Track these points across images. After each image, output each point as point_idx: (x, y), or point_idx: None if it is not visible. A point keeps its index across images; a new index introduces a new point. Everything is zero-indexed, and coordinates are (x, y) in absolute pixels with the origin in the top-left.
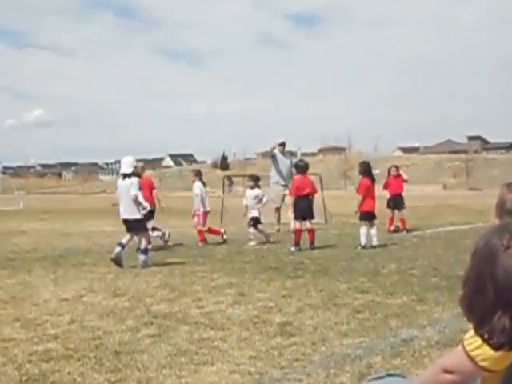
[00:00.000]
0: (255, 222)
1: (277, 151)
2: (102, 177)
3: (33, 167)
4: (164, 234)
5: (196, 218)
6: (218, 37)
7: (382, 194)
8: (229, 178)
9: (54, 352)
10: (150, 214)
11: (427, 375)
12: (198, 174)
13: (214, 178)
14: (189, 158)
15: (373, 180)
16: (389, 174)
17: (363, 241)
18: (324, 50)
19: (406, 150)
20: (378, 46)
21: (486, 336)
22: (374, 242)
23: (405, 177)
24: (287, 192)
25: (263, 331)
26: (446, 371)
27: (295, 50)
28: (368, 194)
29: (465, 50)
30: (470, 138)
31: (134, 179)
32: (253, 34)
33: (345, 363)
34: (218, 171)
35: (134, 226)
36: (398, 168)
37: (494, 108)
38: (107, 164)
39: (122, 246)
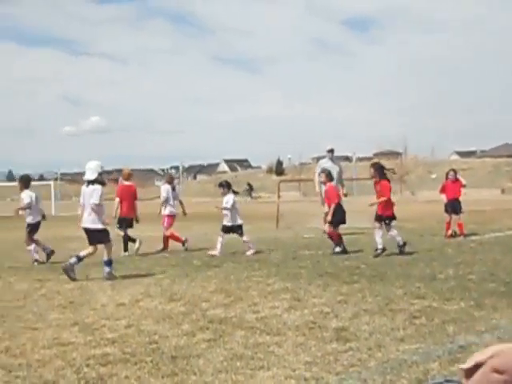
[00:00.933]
0: (236, 230)
1: (326, 158)
2: (157, 183)
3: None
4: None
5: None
6: (272, 43)
7: (439, 198)
8: (249, 184)
9: (112, 356)
10: (129, 223)
11: (478, 376)
12: (169, 179)
13: (269, 184)
14: (244, 164)
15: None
16: (447, 178)
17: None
18: (378, 54)
19: (462, 154)
20: (432, 50)
21: None
22: (401, 242)
23: (463, 181)
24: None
25: (319, 336)
26: (497, 371)
27: (349, 55)
28: (385, 195)
29: None
30: None
31: (98, 187)
32: (307, 39)
33: (401, 369)
34: (274, 176)
35: (96, 237)
36: (456, 172)
37: None
38: (163, 170)
39: (79, 259)
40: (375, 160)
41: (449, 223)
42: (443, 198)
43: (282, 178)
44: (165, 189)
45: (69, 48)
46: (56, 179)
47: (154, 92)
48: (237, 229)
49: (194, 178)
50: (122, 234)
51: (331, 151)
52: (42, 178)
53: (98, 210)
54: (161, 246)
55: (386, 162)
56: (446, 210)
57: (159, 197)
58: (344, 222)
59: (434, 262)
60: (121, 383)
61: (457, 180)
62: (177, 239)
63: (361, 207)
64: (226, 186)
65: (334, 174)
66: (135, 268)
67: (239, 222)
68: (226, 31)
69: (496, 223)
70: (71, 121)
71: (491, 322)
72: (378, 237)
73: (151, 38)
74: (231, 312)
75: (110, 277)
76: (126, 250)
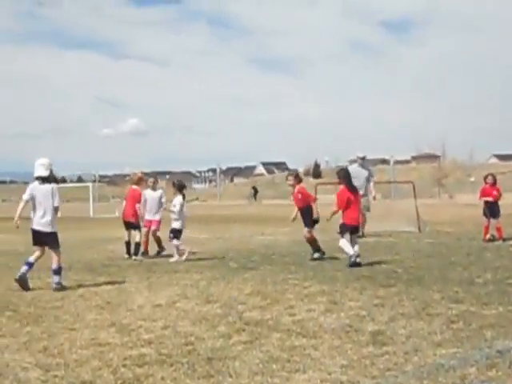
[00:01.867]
0: (175, 234)
1: (356, 164)
2: (195, 185)
3: (128, 175)
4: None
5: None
6: (310, 45)
7: (477, 201)
8: (254, 187)
9: (148, 357)
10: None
11: None
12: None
13: (306, 186)
14: (281, 166)
15: (354, 190)
16: (485, 182)
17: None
18: (416, 56)
19: (501, 157)
20: (471, 52)
21: None
22: (349, 252)
23: (498, 192)
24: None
25: (355, 340)
26: None
27: (387, 57)
28: (350, 206)
29: None
30: None
31: (55, 186)
32: (343, 41)
33: (438, 374)
34: (311, 179)
35: (46, 241)
36: (494, 176)
37: None
38: (200, 172)
39: (30, 265)
40: (413, 163)
41: (487, 227)
42: (481, 201)
43: (320, 180)
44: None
45: (108, 50)
46: (94, 181)
47: (192, 94)
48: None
49: (231, 180)
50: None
51: (363, 158)
52: (80, 180)
53: (56, 212)
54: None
55: (424, 165)
56: (485, 214)
57: (197, 199)
58: (317, 222)
59: (472, 266)
60: None
61: (495, 184)
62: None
63: (399, 211)
64: (177, 187)
65: (362, 179)
66: (172, 270)
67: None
68: (264, 33)
69: None
70: (110, 123)
71: None
72: (347, 246)
73: (190, 40)
74: (267, 314)
75: (59, 287)
76: (127, 252)
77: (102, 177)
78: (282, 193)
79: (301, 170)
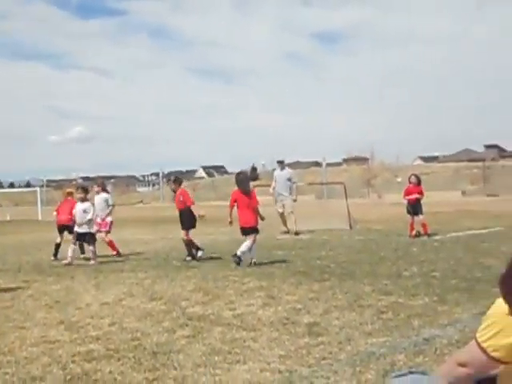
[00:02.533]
0: (90, 238)
1: (277, 168)
2: (139, 188)
3: (74, 180)
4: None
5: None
6: (248, 56)
7: (402, 201)
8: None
9: (96, 352)
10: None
11: (444, 370)
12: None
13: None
14: (220, 170)
15: (244, 191)
16: (409, 182)
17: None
18: (347, 67)
19: (426, 159)
20: (398, 62)
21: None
22: (239, 252)
23: (420, 191)
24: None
25: (292, 331)
26: (460, 364)
27: (319, 68)
28: (243, 207)
29: (481, 63)
30: (488, 147)
31: None
32: (280, 52)
33: (370, 361)
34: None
35: None
36: (416, 176)
37: (510, 118)
38: (143, 176)
39: None
40: (344, 165)
41: (412, 224)
42: (405, 200)
43: (257, 183)
44: (107, 197)
45: (55, 61)
46: (42, 186)
47: (136, 103)
48: (84, 236)
49: None
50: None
51: (281, 163)
52: (28, 185)
53: None
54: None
55: (354, 167)
56: (409, 212)
57: (141, 202)
58: (194, 227)
59: (400, 260)
60: (105, 378)
61: (418, 184)
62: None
63: (331, 210)
64: (83, 192)
65: (282, 181)
66: (118, 269)
67: (93, 229)
68: (204, 44)
69: (457, 223)
70: (57, 131)
71: (453, 316)
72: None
73: (133, 51)
74: (209, 309)
75: None
76: (55, 255)
77: (49, 181)
78: (222, 195)
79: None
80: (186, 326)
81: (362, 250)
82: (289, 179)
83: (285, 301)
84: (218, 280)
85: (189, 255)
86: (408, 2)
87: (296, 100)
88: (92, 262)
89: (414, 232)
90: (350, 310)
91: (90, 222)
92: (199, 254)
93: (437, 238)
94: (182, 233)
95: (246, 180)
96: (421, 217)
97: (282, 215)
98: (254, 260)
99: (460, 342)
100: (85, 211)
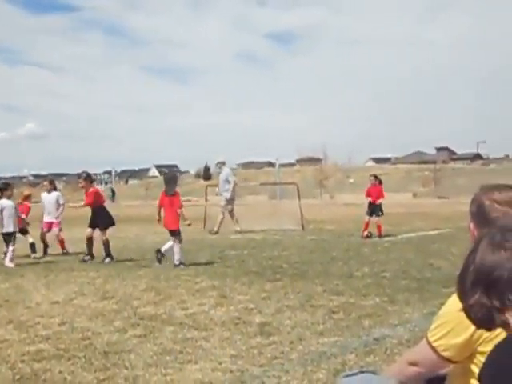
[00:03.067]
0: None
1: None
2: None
3: (25, 177)
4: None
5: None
6: (202, 55)
7: (356, 201)
8: (112, 190)
9: (46, 352)
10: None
11: (395, 369)
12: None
13: (197, 188)
14: (173, 169)
15: (167, 193)
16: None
17: (177, 258)
18: (300, 67)
19: (378, 161)
20: (351, 64)
21: (468, 310)
22: (176, 261)
23: (379, 192)
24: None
25: (244, 331)
26: (411, 364)
27: (273, 67)
28: (166, 209)
29: (434, 68)
30: (438, 149)
31: None
32: (234, 51)
33: (321, 361)
34: (201, 181)
35: None
36: (376, 177)
37: (460, 121)
38: (96, 174)
39: None
40: (297, 166)
41: (367, 224)
42: (367, 200)
43: (209, 182)
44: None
45: (4, 57)
46: None
47: (89, 100)
48: (7, 237)
49: (126, 182)
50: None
51: (221, 163)
52: None
53: None
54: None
55: (307, 168)
56: (368, 212)
57: (112, 199)
58: (113, 224)
59: (351, 260)
60: (55, 378)
61: (378, 184)
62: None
63: (284, 210)
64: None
65: (221, 181)
66: (69, 268)
67: (11, 229)
68: (158, 42)
69: (408, 225)
70: (6, 127)
71: (404, 316)
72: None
73: (87, 48)
74: (161, 309)
75: None
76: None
77: None
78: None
79: (192, 172)
80: (138, 325)
81: (314, 250)
82: (227, 180)
83: (237, 300)
84: (170, 279)
85: (88, 255)
86: (361, 3)
87: (250, 99)
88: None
89: (366, 232)
90: (301, 310)
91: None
92: (107, 260)
93: (388, 239)
94: (98, 233)
95: (170, 181)
96: (377, 218)
97: (230, 214)
98: (179, 262)
99: (410, 342)
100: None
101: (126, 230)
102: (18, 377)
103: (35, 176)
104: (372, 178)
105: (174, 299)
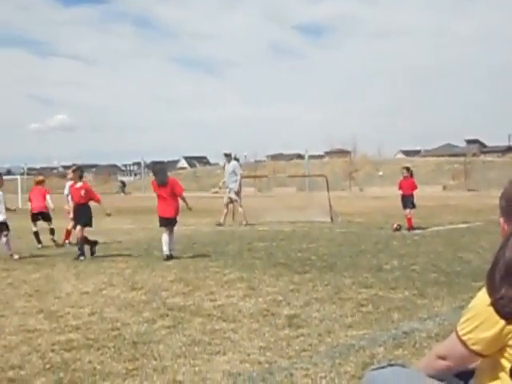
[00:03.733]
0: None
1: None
2: (120, 178)
3: (55, 168)
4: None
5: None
6: (231, 47)
7: (386, 193)
8: (122, 181)
9: (75, 342)
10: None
11: (424, 363)
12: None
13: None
14: (202, 160)
15: (160, 183)
16: (403, 175)
17: (165, 249)
18: (330, 59)
19: (407, 153)
20: (381, 56)
21: (496, 304)
22: (165, 251)
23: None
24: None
25: (272, 323)
26: (440, 357)
27: (303, 60)
28: (163, 198)
29: (462, 59)
30: (469, 142)
31: None
32: (264, 44)
33: (349, 354)
34: None
35: None
36: (408, 169)
37: (491, 113)
38: (125, 166)
39: None
40: (327, 158)
41: (407, 217)
42: (399, 193)
43: None
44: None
45: (37, 49)
46: (23, 174)
47: (119, 92)
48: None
49: None
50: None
51: (227, 155)
52: (9, 173)
53: None
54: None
55: (336, 160)
56: (403, 206)
57: (123, 191)
58: (91, 225)
59: (381, 253)
60: (84, 368)
61: (409, 177)
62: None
63: (313, 202)
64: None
65: (227, 174)
66: (99, 259)
67: (1, 218)
68: (188, 35)
69: (438, 218)
70: (38, 118)
71: (433, 310)
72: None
73: (116, 40)
74: (189, 300)
75: None
76: (39, 242)
77: (30, 169)
78: (204, 186)
79: (221, 164)
80: (167, 316)
81: (342, 242)
82: (234, 172)
83: (265, 292)
84: (198, 271)
85: (81, 254)
86: None
87: (279, 92)
88: (15, 256)
89: (395, 225)
90: (330, 303)
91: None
92: (81, 258)
93: (417, 232)
94: (77, 229)
95: (160, 171)
96: (408, 210)
97: (226, 206)
98: (171, 252)
99: (439, 336)
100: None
101: (155, 220)
102: (48, 366)
103: (65, 167)
104: (404, 170)
105: (202, 290)
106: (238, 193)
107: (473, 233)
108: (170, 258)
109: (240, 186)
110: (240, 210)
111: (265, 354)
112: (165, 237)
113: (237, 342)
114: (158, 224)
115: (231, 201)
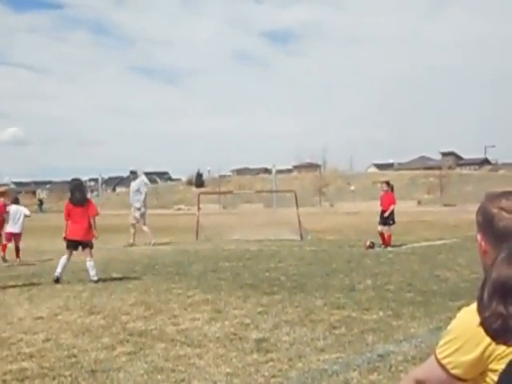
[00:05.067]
0: None
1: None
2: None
3: (6, 185)
4: None
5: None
6: (193, 54)
7: (358, 209)
8: (40, 200)
9: (29, 371)
10: None
11: None
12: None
13: (188, 196)
14: (164, 176)
15: (75, 202)
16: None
17: (58, 271)
18: (298, 67)
19: (380, 167)
20: (353, 65)
21: (485, 322)
22: (93, 277)
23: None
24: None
25: (240, 348)
26: (418, 382)
27: (270, 68)
28: (70, 218)
29: (437, 69)
30: (444, 155)
31: None
32: (228, 51)
33: (322, 379)
34: (193, 188)
35: None
36: (388, 183)
37: (466, 125)
38: None
39: None
40: (295, 172)
41: (381, 234)
42: (379, 209)
43: (202, 190)
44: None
45: None
46: None
47: (74, 103)
48: None
49: (114, 190)
50: None
51: (133, 173)
52: None
53: None
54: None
55: (305, 175)
56: (380, 222)
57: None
58: None
59: (353, 272)
60: None
61: (388, 191)
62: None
63: (281, 219)
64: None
65: (132, 192)
66: (53, 281)
67: None
68: (147, 42)
69: (413, 234)
70: None
71: (409, 331)
72: (60, 263)
73: (71, 48)
74: (151, 325)
75: None
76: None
77: None
78: (165, 203)
79: (184, 179)
80: (127, 342)
81: (313, 261)
82: (138, 190)
83: (232, 315)
84: (160, 293)
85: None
86: (361, 2)
87: (244, 102)
88: None
89: (368, 243)
90: (300, 325)
91: None
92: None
93: (392, 249)
94: None
95: (75, 189)
96: (387, 227)
97: (132, 226)
98: (95, 278)
99: (416, 359)
100: None
101: (114, 240)
102: None
103: (17, 184)
104: (384, 184)
105: (165, 314)
106: (142, 212)
107: (449, 249)
108: (57, 281)
109: (145, 204)
110: (145, 229)
111: (232, 381)
112: (63, 259)
113: (202, 368)
114: (115, 244)
115: (137, 220)
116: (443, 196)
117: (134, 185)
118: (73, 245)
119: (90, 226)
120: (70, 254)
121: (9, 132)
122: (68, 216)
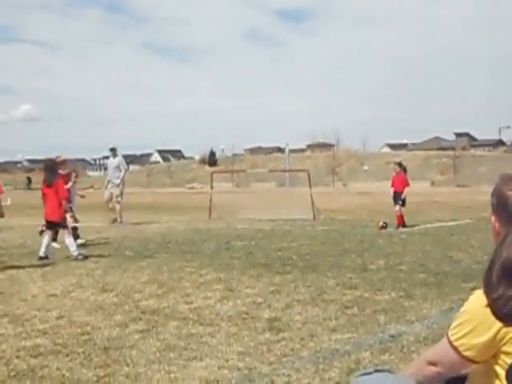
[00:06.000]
0: None
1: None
2: (89, 172)
3: (20, 162)
4: None
5: None
6: (207, 33)
7: (370, 189)
8: (28, 177)
9: (43, 347)
10: None
11: (412, 368)
12: None
13: (202, 174)
14: (177, 154)
15: (47, 182)
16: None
17: (42, 251)
18: (312, 46)
19: (393, 147)
20: (366, 44)
21: (493, 305)
22: (73, 252)
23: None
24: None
25: (252, 327)
26: (430, 363)
27: (284, 47)
28: (44, 198)
29: (451, 48)
30: (458, 135)
31: None
32: (241, 30)
33: (333, 358)
34: (206, 167)
35: None
36: (400, 165)
37: (481, 105)
38: (95, 160)
39: None
40: (308, 151)
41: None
42: (391, 190)
43: (215, 168)
44: None
45: None
46: None
47: (88, 81)
48: None
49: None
50: None
51: (112, 150)
52: None
53: None
54: None
55: (319, 154)
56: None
57: (92, 187)
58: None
59: (366, 252)
60: (52, 375)
61: (400, 173)
62: None
63: (294, 199)
64: None
65: (111, 169)
66: (67, 258)
67: None
68: (161, 20)
69: (426, 215)
70: (1, 109)
71: (421, 312)
72: (43, 243)
73: (85, 26)
74: (164, 303)
75: None
76: None
77: None
78: (178, 181)
79: (197, 157)
80: (140, 319)
81: (325, 241)
82: (118, 167)
83: (244, 294)
84: (173, 271)
85: None
86: None
87: (258, 81)
88: None
89: (380, 223)
90: (312, 305)
91: None
92: None
93: (405, 230)
94: None
95: (48, 169)
96: (398, 207)
97: (107, 202)
98: (75, 253)
99: (428, 339)
100: None
101: (127, 218)
102: (13, 373)
103: (30, 161)
104: (396, 166)
105: (177, 292)
106: (121, 189)
107: (462, 231)
108: (42, 259)
109: (123, 182)
110: (118, 206)
111: (244, 360)
112: (46, 238)
113: (214, 346)
114: (129, 221)
115: (112, 196)
116: (457, 177)
117: (113, 161)
118: (48, 225)
119: (59, 207)
120: (50, 234)
121: (22, 109)
122: (43, 196)
